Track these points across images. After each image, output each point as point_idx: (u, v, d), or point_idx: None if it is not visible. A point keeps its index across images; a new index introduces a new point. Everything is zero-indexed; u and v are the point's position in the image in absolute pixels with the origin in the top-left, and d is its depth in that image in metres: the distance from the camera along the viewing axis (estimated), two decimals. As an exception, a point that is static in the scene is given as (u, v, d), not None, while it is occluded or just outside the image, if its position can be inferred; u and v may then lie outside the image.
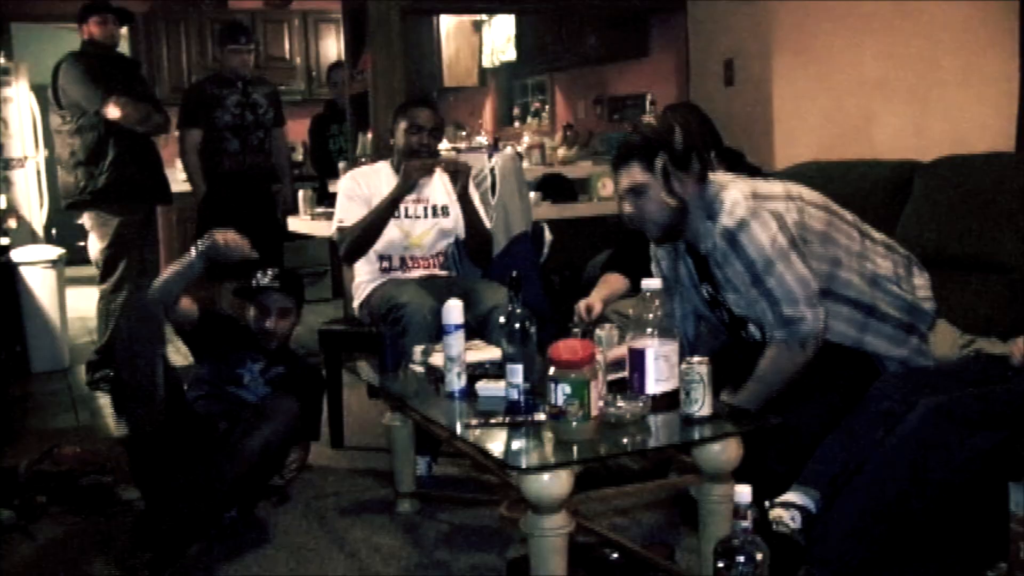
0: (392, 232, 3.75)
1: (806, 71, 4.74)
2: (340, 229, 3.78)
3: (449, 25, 7.76)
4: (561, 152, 6.53)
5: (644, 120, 2.90)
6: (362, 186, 3.81)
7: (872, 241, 2.92)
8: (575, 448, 2.20)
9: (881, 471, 2.44)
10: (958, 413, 2.44)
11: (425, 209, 3.83)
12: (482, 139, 6.41)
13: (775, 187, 2.84)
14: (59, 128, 4.90)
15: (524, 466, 2.12)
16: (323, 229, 4.75)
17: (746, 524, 2.20)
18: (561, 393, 2.20)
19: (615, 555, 2.58)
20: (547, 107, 7.50)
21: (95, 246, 4.99)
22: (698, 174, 2.78)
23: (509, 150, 4.45)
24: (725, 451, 2.32)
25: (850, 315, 2.80)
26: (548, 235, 4.27)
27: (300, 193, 5.22)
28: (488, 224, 3.90)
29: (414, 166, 3.70)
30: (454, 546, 2.89)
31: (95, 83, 4.78)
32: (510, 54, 7.43)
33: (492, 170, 4.13)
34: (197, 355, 3.51)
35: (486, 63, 7.89)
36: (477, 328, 3.35)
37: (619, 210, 2.87)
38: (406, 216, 3.79)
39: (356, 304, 3.84)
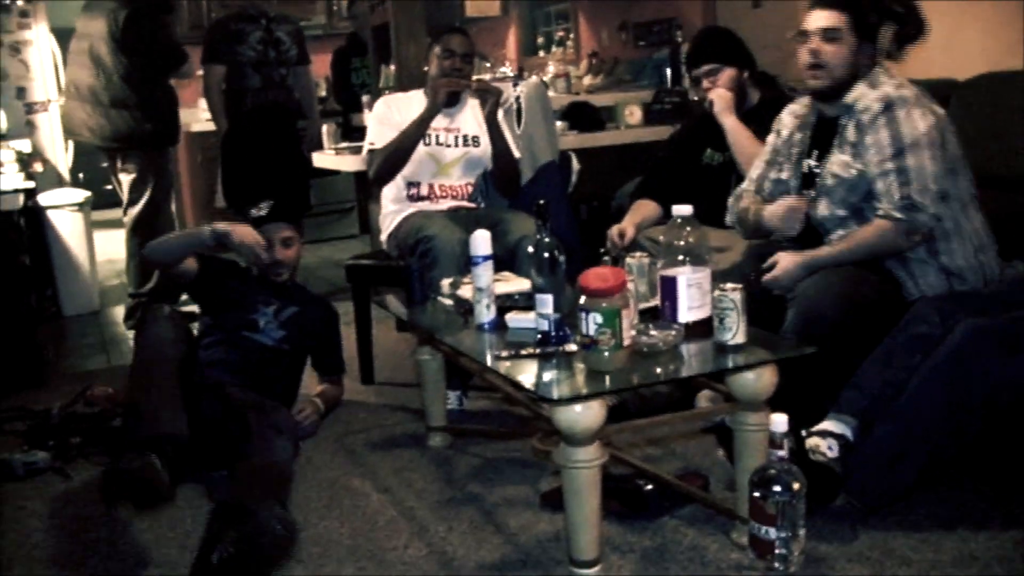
0: (422, 157, 3.72)
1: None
2: (371, 151, 3.77)
3: (470, -47, 7.60)
4: (587, 80, 6.42)
5: None
6: (395, 112, 3.78)
7: (977, 208, 2.86)
8: (607, 378, 2.16)
9: (919, 396, 2.40)
10: (997, 336, 2.39)
11: (456, 138, 3.79)
12: (506, 69, 6.31)
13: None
14: (117, 70, 4.92)
15: (556, 397, 2.08)
16: (348, 164, 4.70)
17: (782, 453, 2.18)
18: (592, 322, 2.16)
19: (649, 486, 2.55)
20: (571, 35, 7.36)
21: (140, 186, 5.05)
22: (876, 51, 2.83)
23: (534, 79, 4.36)
24: (760, 379, 2.27)
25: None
26: (576, 164, 4.19)
27: (324, 128, 5.16)
28: (516, 152, 3.84)
29: (442, 83, 3.68)
30: (486, 479, 2.88)
31: (175, 41, 5.07)
32: (533, -19, 7.29)
33: (518, 99, 4.05)
34: (205, 307, 3.48)
35: (509, -8, 7.74)
36: (506, 259, 3.30)
37: (802, 49, 2.87)
38: (436, 143, 3.76)
39: (384, 236, 3.80)
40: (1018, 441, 2.38)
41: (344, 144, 4.95)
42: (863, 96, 2.78)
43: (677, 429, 3.07)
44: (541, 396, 2.12)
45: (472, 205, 3.79)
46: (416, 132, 3.68)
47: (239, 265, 3.54)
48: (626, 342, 2.18)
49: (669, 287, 2.42)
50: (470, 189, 3.81)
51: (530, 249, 2.43)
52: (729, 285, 2.30)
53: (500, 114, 3.76)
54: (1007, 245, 3.09)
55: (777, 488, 2.15)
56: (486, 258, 2.69)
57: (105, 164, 5.16)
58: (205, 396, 3.01)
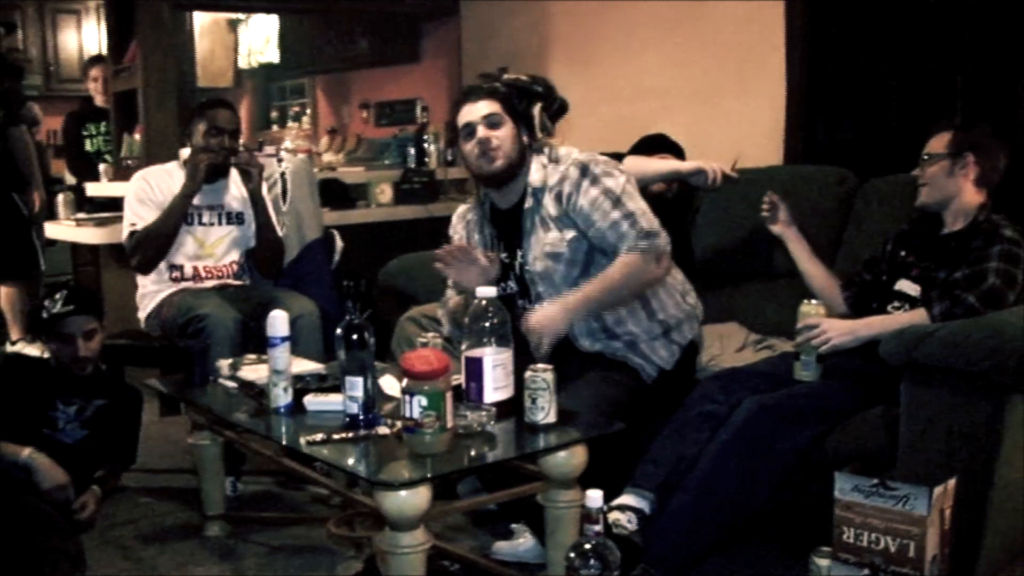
0: (185, 240, 3.56)
1: (584, 78, 4.82)
2: (132, 235, 3.53)
3: (203, 22, 7.46)
4: (328, 157, 6.40)
5: (508, 75, 3.04)
6: (154, 189, 3.57)
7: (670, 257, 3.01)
8: (431, 461, 2.16)
9: (711, 469, 2.55)
10: (779, 411, 2.58)
11: (220, 216, 3.64)
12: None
13: None
14: None
15: (388, 481, 2.06)
16: (89, 236, 4.44)
17: (598, 528, 2.24)
18: (417, 405, 2.15)
19: (456, 566, 2.55)
20: (308, 111, 7.35)
21: None
22: (533, 133, 2.95)
23: (300, 155, 4.31)
24: (572, 458, 2.35)
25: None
26: (339, 242, 4.17)
27: (60, 197, 4.84)
28: (280, 231, 3.76)
29: (201, 158, 3.51)
30: (277, 569, 2.77)
31: None
32: (269, 55, 7.25)
33: (283, 175, 3.99)
34: None
35: (242, 64, 7.65)
36: (283, 338, 3.21)
37: (471, 141, 2.90)
38: (200, 223, 3.60)
39: (142, 315, 3.60)
40: (801, 503, 2.58)
41: (83, 215, 4.66)
42: (551, 173, 2.89)
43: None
44: (372, 481, 2.08)
45: (239, 283, 3.67)
46: (178, 211, 3.50)
47: (34, 359, 3.22)
48: (450, 424, 2.19)
49: (475, 368, 2.45)
50: (235, 268, 3.69)
51: (338, 331, 2.40)
52: (540, 365, 2.37)
53: (264, 189, 3.67)
54: (761, 325, 3.39)
55: (595, 562, 2.21)
56: (284, 339, 2.61)
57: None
58: None
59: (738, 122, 4.21)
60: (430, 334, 2.89)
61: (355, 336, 2.37)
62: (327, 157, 6.40)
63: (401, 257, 4.08)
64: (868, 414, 2.63)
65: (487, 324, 2.45)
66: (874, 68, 3.91)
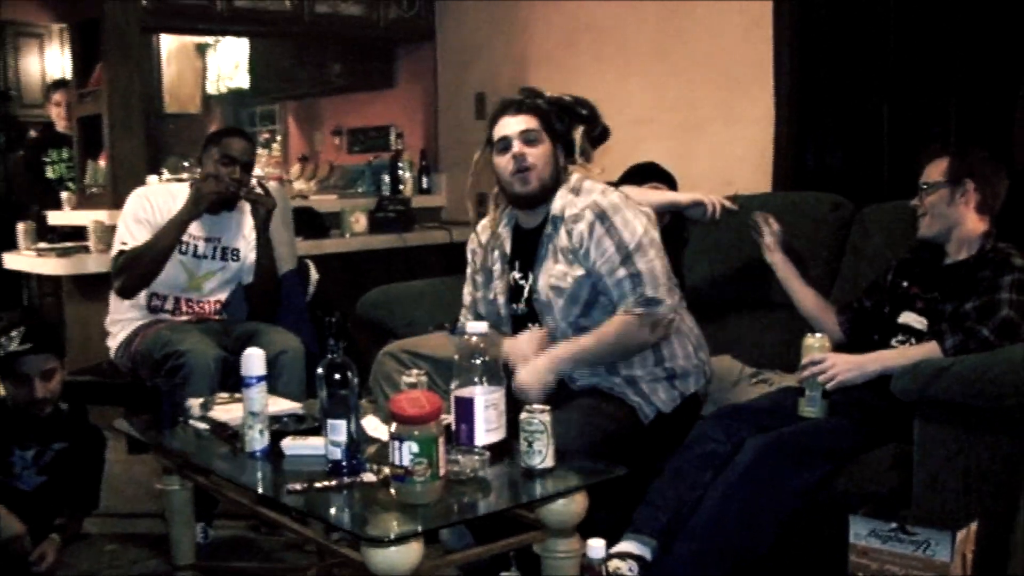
0: (175, 269, 3.35)
1: (562, 106, 4.72)
2: (121, 254, 3.32)
3: (170, 46, 7.30)
4: (299, 185, 6.25)
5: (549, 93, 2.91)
6: (154, 209, 3.36)
7: (686, 307, 2.93)
8: (422, 512, 2.00)
9: (716, 514, 2.43)
10: (785, 450, 2.47)
11: (215, 249, 3.45)
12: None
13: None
14: None
15: (379, 537, 1.89)
16: (51, 267, 4.26)
17: (600, 580, 2.10)
18: (407, 452, 1.99)
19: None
20: (278, 138, 7.19)
21: None
22: (569, 156, 2.86)
23: (275, 183, 4.16)
24: (571, 505, 2.20)
25: None
26: (314, 273, 4.01)
27: (20, 226, 4.65)
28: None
29: (208, 186, 3.31)
30: (254, 622, 2.61)
31: None
32: (239, 81, 7.10)
33: (257, 203, 3.83)
34: None
35: (211, 89, 7.49)
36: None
37: (506, 155, 2.80)
38: (193, 254, 3.40)
39: (112, 344, 3.41)
40: (810, 547, 2.47)
41: (44, 244, 4.48)
42: (570, 204, 2.78)
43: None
44: (363, 536, 1.92)
45: (218, 317, 3.50)
46: (171, 235, 3.29)
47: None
48: (442, 471, 2.04)
49: (465, 408, 2.30)
50: (218, 305, 3.51)
51: (320, 370, 2.25)
52: (537, 407, 2.22)
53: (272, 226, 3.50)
54: (758, 358, 3.26)
55: (597, 616, 2.07)
56: (260, 379, 2.44)
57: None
58: None
59: (725, 148, 4.12)
60: (415, 371, 2.72)
61: (337, 376, 2.22)
62: (298, 185, 6.25)
63: (378, 289, 3.94)
64: (878, 452, 2.52)
65: (477, 362, 2.31)
66: (865, 91, 3.82)
